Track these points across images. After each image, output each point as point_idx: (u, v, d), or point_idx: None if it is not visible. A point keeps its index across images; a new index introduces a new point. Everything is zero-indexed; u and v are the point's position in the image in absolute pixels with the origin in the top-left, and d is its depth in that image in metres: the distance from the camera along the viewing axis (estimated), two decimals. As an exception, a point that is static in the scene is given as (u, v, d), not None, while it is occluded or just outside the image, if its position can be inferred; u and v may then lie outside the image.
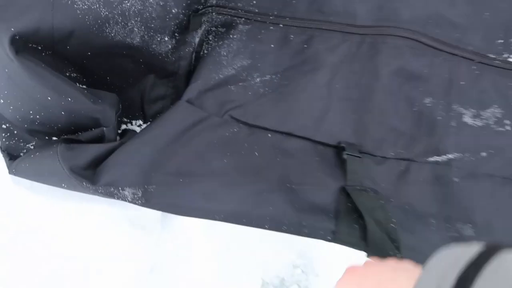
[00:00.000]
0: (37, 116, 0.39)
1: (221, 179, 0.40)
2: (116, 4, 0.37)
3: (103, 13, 0.37)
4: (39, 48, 0.36)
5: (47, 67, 0.35)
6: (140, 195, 0.37)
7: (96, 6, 0.36)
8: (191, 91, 0.43)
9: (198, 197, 0.39)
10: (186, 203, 0.39)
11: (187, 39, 0.43)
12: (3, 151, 0.42)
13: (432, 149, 0.46)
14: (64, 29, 0.36)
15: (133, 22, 0.38)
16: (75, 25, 0.36)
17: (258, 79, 0.45)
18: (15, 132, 0.42)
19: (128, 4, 0.37)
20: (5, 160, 0.42)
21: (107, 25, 0.37)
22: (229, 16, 0.45)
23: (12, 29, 0.33)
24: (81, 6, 0.35)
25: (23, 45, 0.34)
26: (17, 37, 0.33)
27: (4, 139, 0.42)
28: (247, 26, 0.46)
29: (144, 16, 0.38)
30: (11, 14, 0.34)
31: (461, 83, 0.47)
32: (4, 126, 0.42)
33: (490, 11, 0.47)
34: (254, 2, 0.46)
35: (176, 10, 0.40)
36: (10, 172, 0.42)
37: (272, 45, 0.46)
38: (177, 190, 0.39)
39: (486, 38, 0.47)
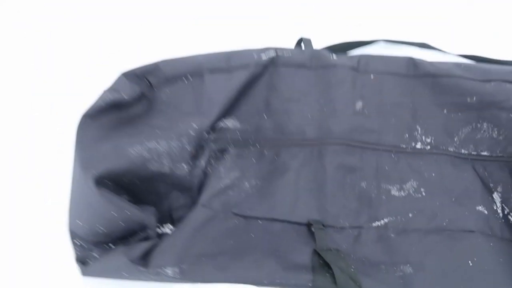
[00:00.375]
0: (103, 229, 0.59)
1: (230, 255, 0.59)
2: (155, 150, 0.60)
3: (146, 156, 0.59)
4: (110, 182, 0.57)
5: (114, 193, 0.56)
6: (178, 271, 0.56)
7: (142, 152, 0.59)
8: (203, 198, 0.64)
9: (216, 270, 0.58)
10: (208, 275, 0.58)
11: (197, 164, 0.65)
12: (77, 261, 0.61)
13: (373, 217, 0.66)
14: (123, 168, 0.58)
15: (164, 159, 0.61)
16: (130, 166, 0.58)
17: (247, 184, 0.66)
18: (85, 246, 0.61)
19: (161, 149, 0.60)
20: (80, 267, 0.60)
21: (148, 163, 0.59)
22: (223, 145, 0.68)
23: (95, 173, 0.55)
24: (133, 153, 0.58)
25: (101, 181, 0.56)
26: (98, 177, 0.55)
27: (78, 253, 0.60)
28: (235, 150, 0.68)
29: (171, 154, 0.61)
30: (95, 163, 0.56)
31: (386, 168, 0.69)
32: (78, 243, 0.61)
33: (395, 118, 0.71)
34: (238, 133, 0.69)
35: (189, 148, 0.63)
36: (84, 275, 0.60)
37: (254, 160, 0.68)
38: (201, 266, 0.57)
39: (396, 136, 0.70)
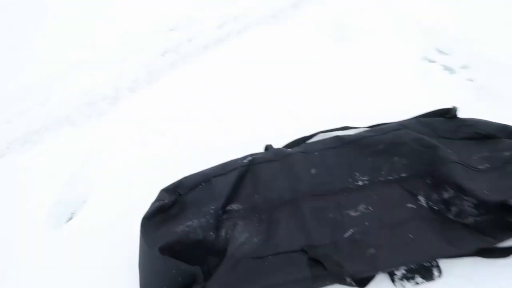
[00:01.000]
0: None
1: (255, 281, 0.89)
2: (191, 225, 0.95)
3: (187, 230, 0.94)
4: (168, 252, 0.90)
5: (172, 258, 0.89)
6: None
7: (184, 228, 0.94)
8: (228, 253, 0.96)
9: None
10: None
11: (219, 233, 0.98)
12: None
13: (342, 231, 0.96)
14: (174, 239, 0.92)
15: (198, 230, 0.95)
16: (178, 237, 0.92)
17: (255, 239, 0.99)
18: None
19: (195, 224, 0.95)
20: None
21: (189, 234, 0.94)
22: (234, 220, 1.02)
23: (158, 246, 0.89)
24: (179, 230, 0.93)
25: (162, 251, 0.89)
26: (160, 248, 0.89)
27: None
28: (242, 221, 1.02)
29: (201, 226, 0.95)
30: (157, 240, 0.90)
31: (342, 201, 1.01)
32: None
33: (339, 172, 1.07)
34: (242, 211, 1.04)
35: (212, 221, 0.97)
36: None
37: (256, 224, 1.02)
38: None
39: (343, 182, 1.05)
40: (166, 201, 0.99)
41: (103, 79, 1.68)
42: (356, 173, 1.07)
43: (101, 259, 1.06)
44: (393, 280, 0.93)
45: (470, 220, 0.94)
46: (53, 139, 1.45)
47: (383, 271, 0.91)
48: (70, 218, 1.19)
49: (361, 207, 1.01)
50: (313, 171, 1.08)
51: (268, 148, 1.18)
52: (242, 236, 0.99)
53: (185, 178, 1.06)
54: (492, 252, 0.92)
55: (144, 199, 1.00)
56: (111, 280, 1.01)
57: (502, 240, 0.91)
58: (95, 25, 1.89)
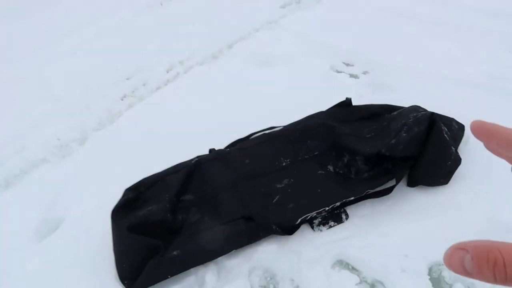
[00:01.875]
0: (137, 261, 1.12)
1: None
2: (151, 210, 1.19)
3: (149, 213, 1.19)
4: (134, 231, 1.14)
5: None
6: (179, 252, 1.09)
7: (146, 212, 1.19)
8: (184, 228, 1.20)
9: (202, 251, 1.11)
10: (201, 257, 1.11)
11: (176, 216, 1.23)
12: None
13: (270, 198, 1.23)
14: (139, 221, 1.16)
15: (158, 213, 1.20)
16: (142, 219, 1.17)
17: (206, 218, 1.24)
18: (131, 282, 1.13)
19: (155, 208, 1.20)
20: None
21: (151, 216, 1.18)
22: (188, 207, 1.27)
23: (126, 225, 1.13)
24: (142, 213, 1.18)
25: (130, 230, 1.13)
26: (128, 227, 1.13)
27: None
28: (195, 207, 1.27)
29: (160, 209, 1.20)
30: (125, 222, 1.15)
31: (270, 178, 1.30)
32: (126, 282, 1.12)
33: (270, 159, 1.36)
34: (193, 200, 1.30)
35: (168, 205, 1.23)
36: None
37: (206, 207, 1.27)
38: (194, 252, 1.11)
39: (270, 165, 1.34)
40: (130, 196, 1.25)
41: (71, 125, 1.95)
42: (281, 158, 1.36)
43: (84, 258, 1.27)
44: (312, 227, 1.20)
45: (365, 175, 1.24)
46: (32, 176, 1.68)
47: (301, 217, 1.18)
48: (53, 232, 1.41)
49: (285, 181, 1.29)
50: (247, 161, 1.37)
51: (211, 150, 1.46)
52: (195, 217, 1.24)
53: (145, 178, 1.32)
54: (380, 193, 1.21)
55: (104, 213, 1.26)
56: (93, 271, 1.23)
57: (385, 182, 1.21)
58: (58, 80, 2.18)
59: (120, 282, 1.15)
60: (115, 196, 1.30)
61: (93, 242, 1.31)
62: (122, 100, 2.05)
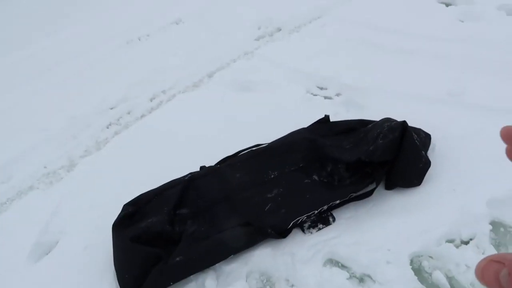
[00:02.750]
0: (140, 270, 1.17)
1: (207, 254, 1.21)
2: (152, 222, 1.26)
3: (149, 225, 1.25)
4: (137, 241, 1.20)
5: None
6: (182, 258, 1.15)
7: (147, 224, 1.25)
8: (183, 238, 1.27)
9: (204, 256, 1.18)
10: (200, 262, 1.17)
11: (174, 228, 1.29)
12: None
13: (263, 206, 1.33)
14: (140, 232, 1.22)
15: (157, 224, 1.26)
16: (143, 230, 1.23)
17: (202, 228, 1.31)
18: None
19: (155, 220, 1.26)
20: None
21: (151, 227, 1.25)
22: (184, 219, 1.34)
23: (129, 236, 1.19)
24: (143, 225, 1.24)
25: (133, 240, 1.19)
26: (131, 238, 1.19)
27: None
28: (191, 220, 1.34)
29: (160, 222, 1.27)
30: (127, 233, 1.20)
31: (261, 187, 1.40)
32: None
33: (255, 171, 1.47)
34: (189, 213, 1.37)
35: (167, 217, 1.29)
36: None
37: (202, 219, 1.35)
38: (194, 259, 1.18)
39: (257, 177, 1.45)
40: (129, 210, 1.31)
41: (58, 154, 1.99)
42: (269, 171, 1.46)
43: (83, 275, 1.31)
44: (303, 230, 1.30)
45: (347, 182, 1.36)
46: (20, 203, 1.70)
47: (293, 221, 1.27)
48: (47, 253, 1.43)
49: (275, 191, 1.39)
50: (237, 175, 1.46)
51: (202, 168, 1.55)
52: (192, 228, 1.31)
53: (142, 194, 1.39)
54: (362, 196, 1.33)
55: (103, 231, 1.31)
56: (93, 286, 1.27)
57: (366, 185, 1.33)
58: (43, 111, 2.23)
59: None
60: (110, 214, 1.36)
61: (91, 259, 1.35)
62: (107, 128, 2.12)
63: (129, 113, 2.20)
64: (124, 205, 1.34)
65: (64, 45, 2.88)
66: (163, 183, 1.46)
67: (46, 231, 1.53)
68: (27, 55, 2.77)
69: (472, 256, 1.16)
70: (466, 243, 1.22)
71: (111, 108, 2.27)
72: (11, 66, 2.70)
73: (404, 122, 1.35)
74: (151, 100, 2.27)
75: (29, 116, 2.20)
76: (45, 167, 1.92)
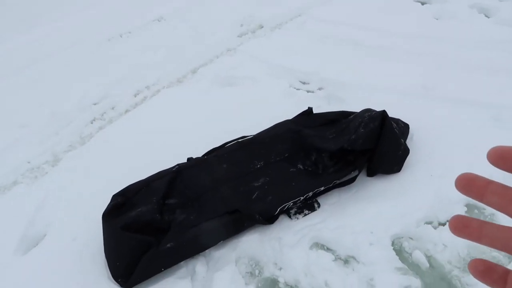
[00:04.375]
0: (131, 257, 1.20)
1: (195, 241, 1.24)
2: (141, 211, 1.28)
3: (139, 214, 1.27)
4: (128, 230, 1.22)
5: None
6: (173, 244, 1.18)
7: (137, 213, 1.27)
8: (173, 226, 1.30)
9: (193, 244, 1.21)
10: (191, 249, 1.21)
11: (163, 216, 1.32)
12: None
13: (250, 194, 1.37)
14: (131, 220, 1.24)
15: (147, 213, 1.28)
16: (134, 219, 1.25)
17: (191, 217, 1.34)
18: (125, 279, 1.20)
19: (145, 209, 1.29)
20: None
21: (141, 216, 1.27)
22: (173, 209, 1.37)
23: (120, 225, 1.21)
24: (133, 214, 1.27)
25: (124, 229, 1.21)
26: (122, 227, 1.21)
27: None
28: (180, 209, 1.37)
29: (149, 211, 1.29)
30: (118, 222, 1.23)
31: (248, 178, 1.44)
32: (120, 280, 1.19)
33: (243, 162, 1.51)
34: (178, 203, 1.40)
35: (156, 206, 1.32)
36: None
37: (190, 209, 1.38)
38: (185, 244, 1.21)
39: (244, 167, 1.49)
40: (118, 200, 1.33)
41: (41, 150, 1.98)
42: (255, 161, 1.51)
43: (73, 264, 1.32)
44: (290, 216, 1.34)
45: (331, 170, 1.42)
46: (4, 198, 1.69)
47: (279, 207, 1.32)
48: (35, 246, 1.43)
49: (261, 179, 1.43)
50: (224, 166, 1.50)
51: (189, 159, 1.58)
52: (181, 217, 1.34)
53: (130, 184, 1.41)
54: (345, 182, 1.39)
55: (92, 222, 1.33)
56: (84, 275, 1.28)
57: (349, 172, 1.39)
58: (25, 109, 2.21)
59: (114, 281, 1.21)
60: (98, 206, 1.37)
61: (81, 249, 1.36)
62: (91, 123, 2.12)
63: (113, 108, 2.20)
64: (113, 196, 1.35)
65: (43, 42, 2.85)
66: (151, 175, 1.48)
67: (33, 224, 1.52)
68: (3, 51, 2.73)
69: (449, 236, 1.23)
70: (443, 224, 1.29)
71: (95, 104, 2.27)
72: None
73: (384, 112, 1.42)
74: (135, 96, 2.28)
75: (8, 113, 2.18)
76: (28, 162, 1.91)
